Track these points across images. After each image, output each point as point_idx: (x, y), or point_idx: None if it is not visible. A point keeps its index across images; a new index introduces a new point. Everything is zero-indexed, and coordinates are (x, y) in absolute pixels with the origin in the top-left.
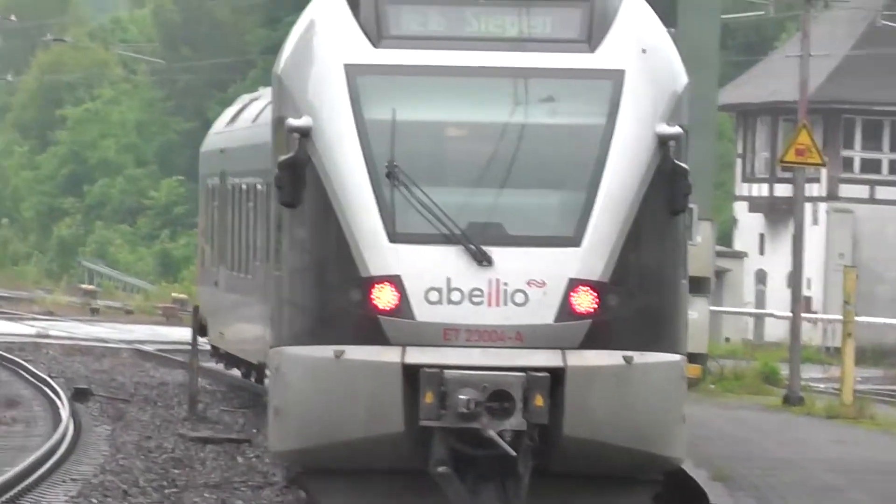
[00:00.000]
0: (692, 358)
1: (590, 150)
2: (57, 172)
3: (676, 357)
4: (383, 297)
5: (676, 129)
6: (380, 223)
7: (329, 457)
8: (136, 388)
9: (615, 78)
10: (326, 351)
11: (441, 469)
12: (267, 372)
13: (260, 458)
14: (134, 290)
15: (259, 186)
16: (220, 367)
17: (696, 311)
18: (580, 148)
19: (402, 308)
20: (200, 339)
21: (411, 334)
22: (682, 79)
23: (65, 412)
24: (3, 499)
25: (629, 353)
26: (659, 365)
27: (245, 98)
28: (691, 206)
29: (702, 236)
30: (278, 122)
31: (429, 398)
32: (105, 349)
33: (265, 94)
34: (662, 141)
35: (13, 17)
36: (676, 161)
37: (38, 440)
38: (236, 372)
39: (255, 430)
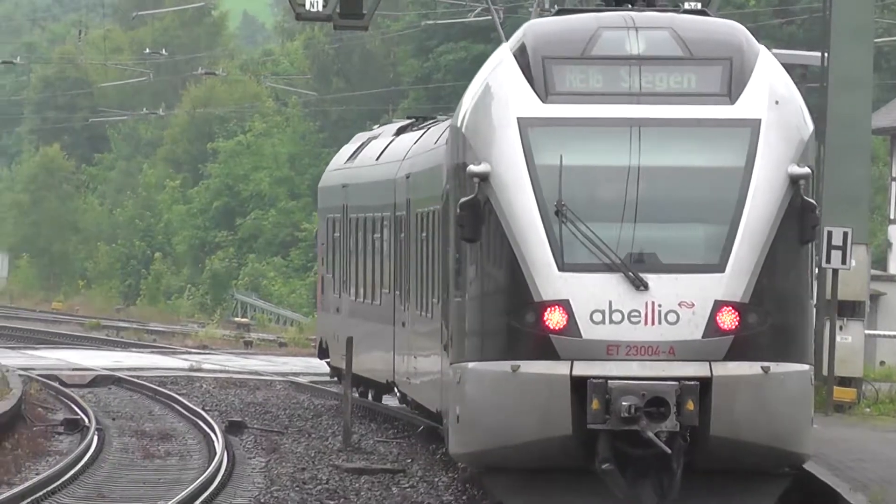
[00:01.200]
0: (847, 382)
1: (732, 189)
2: (209, 206)
3: (806, 367)
4: (554, 319)
5: (805, 170)
6: (550, 254)
7: (506, 458)
8: (290, 419)
9: (753, 126)
10: (504, 366)
11: (605, 466)
12: (396, 390)
13: (415, 489)
14: (287, 322)
15: (376, 221)
16: (370, 401)
17: (851, 335)
18: (723, 187)
19: (570, 328)
20: (321, 361)
21: (578, 350)
22: (809, 126)
23: (219, 445)
24: None
25: (766, 364)
26: (791, 374)
27: (362, 136)
28: (845, 229)
29: (856, 260)
30: (458, 169)
31: (595, 405)
32: (259, 382)
33: (384, 132)
34: (793, 180)
35: (164, 52)
36: (805, 197)
37: (193, 473)
38: (403, 407)
39: (409, 460)
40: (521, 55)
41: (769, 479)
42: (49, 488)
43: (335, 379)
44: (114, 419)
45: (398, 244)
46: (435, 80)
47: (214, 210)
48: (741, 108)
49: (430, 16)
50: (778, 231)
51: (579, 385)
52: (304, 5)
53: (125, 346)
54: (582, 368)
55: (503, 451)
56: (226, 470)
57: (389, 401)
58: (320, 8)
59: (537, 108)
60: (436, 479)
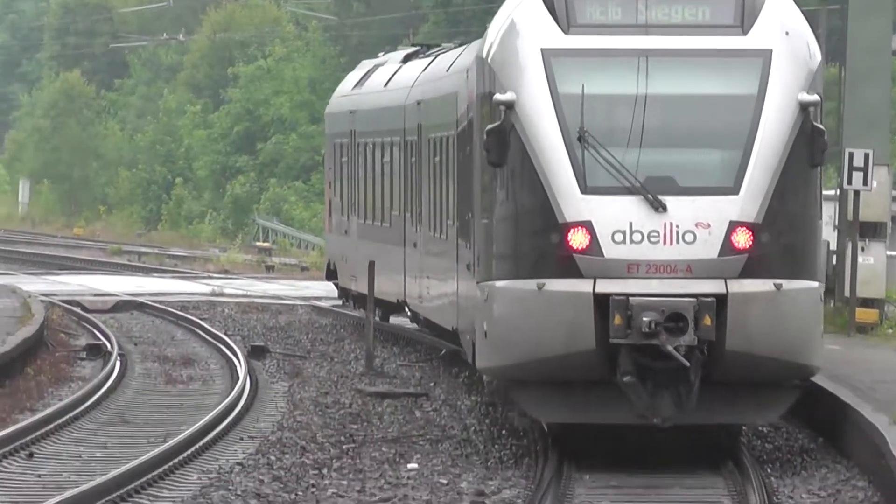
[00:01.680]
0: (869, 303)
1: (745, 115)
2: (230, 131)
3: (815, 284)
4: (577, 239)
5: (815, 97)
6: (573, 178)
7: (531, 371)
8: (312, 344)
9: (764, 56)
10: (530, 284)
11: (627, 379)
12: (406, 309)
13: (437, 412)
14: (309, 246)
15: (385, 146)
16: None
17: (872, 257)
18: (737, 114)
19: (593, 247)
20: (331, 282)
21: (600, 269)
22: (818, 55)
23: (242, 370)
24: (183, 456)
25: (779, 281)
26: (802, 290)
27: (367, 63)
28: (867, 151)
29: (878, 181)
30: (484, 97)
31: (617, 320)
32: (281, 306)
33: (389, 60)
34: (803, 107)
35: None
36: (815, 123)
37: (216, 398)
38: (413, 326)
39: (432, 384)
40: None
41: (780, 391)
42: (72, 414)
43: (343, 300)
44: (136, 344)
45: (409, 168)
46: (455, 5)
47: (235, 135)
48: (753, 39)
49: None
50: (789, 155)
51: (601, 302)
52: None
53: (147, 271)
54: (604, 286)
55: (529, 365)
56: (248, 395)
57: (396, 320)
58: None
59: (560, 40)
60: (458, 403)
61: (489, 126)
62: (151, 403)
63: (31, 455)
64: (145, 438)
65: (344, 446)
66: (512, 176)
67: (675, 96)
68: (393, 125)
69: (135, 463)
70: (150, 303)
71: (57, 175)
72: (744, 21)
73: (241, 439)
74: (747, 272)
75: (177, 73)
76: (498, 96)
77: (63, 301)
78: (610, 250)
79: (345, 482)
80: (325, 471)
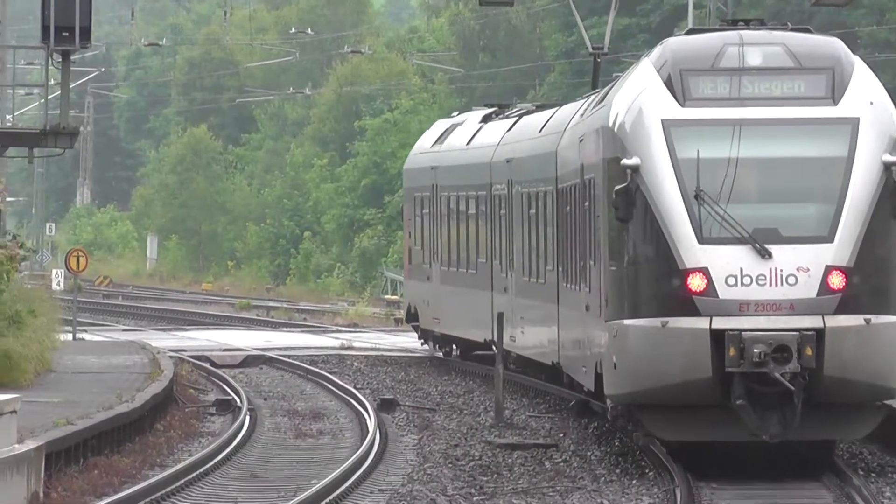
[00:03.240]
0: None
1: (837, 174)
2: (357, 184)
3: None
4: (696, 283)
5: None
6: (691, 230)
7: (655, 397)
8: (441, 396)
9: (853, 123)
10: (655, 322)
11: (739, 402)
12: (493, 347)
13: (567, 463)
14: None
15: (471, 199)
16: (523, 375)
17: None
18: (830, 173)
19: (709, 290)
20: (412, 324)
21: (716, 308)
22: None
23: (371, 423)
24: None
25: (868, 316)
26: (888, 324)
27: (443, 123)
28: None
29: None
30: (610, 162)
31: (732, 352)
32: (410, 359)
33: (468, 120)
34: (887, 167)
35: (309, 31)
36: None
37: (346, 452)
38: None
39: (561, 435)
40: (661, 68)
41: (870, 410)
42: (202, 469)
43: (422, 341)
44: (265, 399)
45: (496, 218)
46: (580, 55)
47: (362, 188)
48: (843, 109)
49: None
50: (875, 208)
51: (717, 336)
52: None
53: (275, 325)
54: (719, 323)
55: (654, 392)
56: (378, 448)
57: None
58: None
59: (677, 112)
60: (588, 453)
61: (617, 187)
62: (281, 458)
63: None
64: (276, 493)
65: (474, 498)
66: (637, 229)
67: (777, 159)
68: (479, 180)
69: None
70: (279, 357)
71: (185, 230)
72: (834, 93)
73: (372, 493)
74: (841, 309)
75: (303, 126)
76: (625, 161)
77: (192, 356)
78: (724, 292)
79: None
80: None
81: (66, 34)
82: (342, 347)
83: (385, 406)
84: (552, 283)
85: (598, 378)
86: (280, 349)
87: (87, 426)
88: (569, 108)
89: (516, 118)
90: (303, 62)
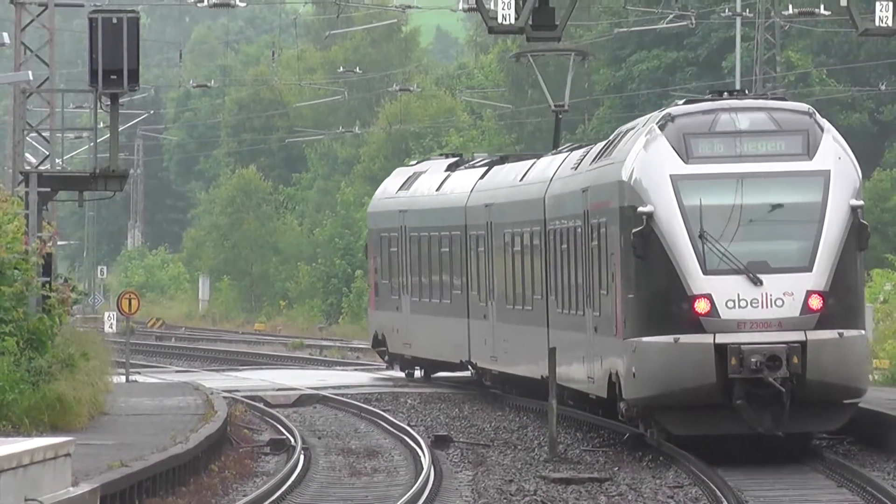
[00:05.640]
0: None
1: (814, 216)
2: None
3: (863, 332)
4: (701, 306)
5: (861, 202)
6: (697, 264)
7: (669, 399)
8: (495, 432)
9: (825, 175)
10: (668, 339)
11: (739, 402)
12: (470, 367)
13: (622, 496)
14: None
15: (444, 238)
16: (574, 409)
17: None
18: (808, 216)
19: (713, 312)
20: (378, 349)
21: (719, 326)
22: (859, 173)
23: (425, 460)
24: None
25: (841, 331)
26: (856, 337)
27: (404, 171)
28: None
29: None
30: (625, 210)
31: (733, 362)
32: (464, 395)
33: (431, 169)
34: (853, 209)
35: (357, 70)
36: (861, 220)
37: (401, 489)
38: (592, 417)
39: (615, 468)
40: (667, 132)
41: (843, 406)
42: None
43: (388, 364)
44: (319, 438)
45: (472, 255)
46: (629, 89)
47: None
48: (817, 163)
49: (623, 24)
50: (845, 243)
51: (720, 349)
52: (496, 19)
53: (329, 364)
54: (722, 338)
55: (668, 395)
56: (433, 484)
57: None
58: (513, 21)
59: (682, 168)
60: (642, 487)
61: (635, 230)
62: (336, 496)
63: None
64: None
65: None
66: (652, 264)
67: (763, 204)
68: (453, 222)
69: None
70: (332, 396)
71: (236, 271)
72: (809, 150)
73: None
74: (819, 325)
75: (353, 165)
76: (640, 208)
77: (245, 397)
78: (725, 313)
79: None
80: None
81: (115, 77)
82: (396, 385)
83: (439, 443)
84: (540, 309)
85: (611, 386)
86: (333, 388)
87: (142, 468)
88: (547, 161)
89: (485, 167)
90: (351, 101)
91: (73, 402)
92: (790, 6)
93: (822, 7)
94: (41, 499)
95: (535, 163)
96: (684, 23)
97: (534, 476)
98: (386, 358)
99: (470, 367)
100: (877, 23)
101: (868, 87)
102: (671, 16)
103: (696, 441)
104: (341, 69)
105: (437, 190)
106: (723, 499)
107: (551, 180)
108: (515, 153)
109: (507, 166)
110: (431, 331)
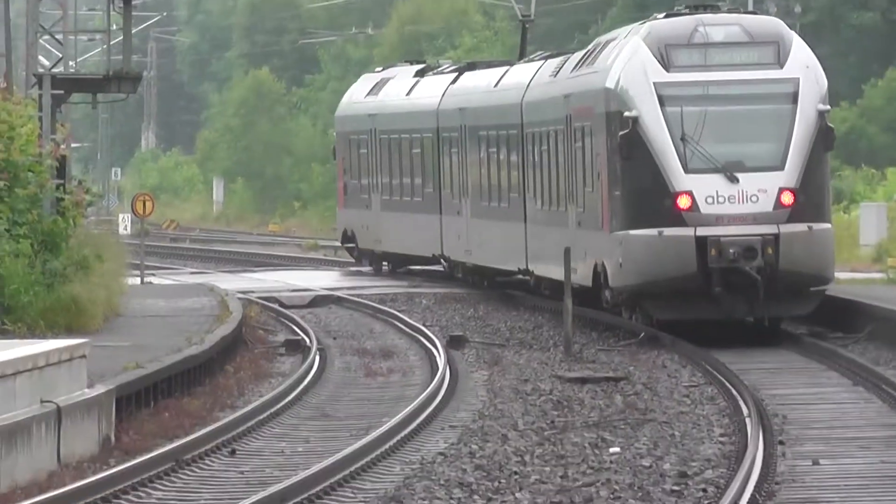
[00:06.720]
0: None
1: (786, 119)
2: None
3: (829, 225)
4: (683, 202)
5: (827, 107)
6: (679, 164)
7: (653, 287)
8: (510, 332)
9: (795, 81)
10: (653, 231)
11: (717, 290)
12: (442, 261)
13: (638, 395)
14: None
15: (415, 140)
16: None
17: None
18: (781, 119)
19: (694, 207)
20: (347, 245)
21: (699, 220)
22: (825, 81)
23: (441, 360)
24: (385, 447)
25: (810, 224)
26: (824, 230)
27: (371, 77)
28: None
29: None
30: (614, 115)
31: (713, 252)
32: (479, 296)
33: (400, 74)
34: (820, 114)
35: None
36: (828, 123)
37: (416, 389)
38: (604, 315)
39: (631, 368)
40: (649, 43)
41: (811, 294)
42: (273, 409)
43: (357, 259)
44: (334, 339)
45: (445, 156)
46: None
47: None
48: (787, 71)
49: None
50: (813, 145)
51: (700, 242)
52: None
53: (343, 265)
54: (702, 231)
55: (652, 284)
56: (449, 384)
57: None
58: None
59: (664, 76)
60: (658, 386)
61: (621, 133)
62: (352, 397)
63: (233, 452)
64: (347, 432)
65: (545, 433)
66: (638, 164)
67: (740, 109)
68: (425, 125)
69: (338, 456)
70: (347, 297)
71: (250, 173)
72: (779, 60)
73: (443, 429)
74: (791, 219)
75: (366, 66)
76: (626, 113)
77: (260, 298)
78: (705, 208)
79: (547, 468)
80: (527, 458)
81: None
82: (411, 286)
83: (454, 343)
84: (517, 205)
85: (596, 276)
86: (348, 289)
87: (157, 369)
88: (521, 68)
89: (455, 73)
90: (365, 1)
91: (88, 304)
92: None
93: None
94: (57, 400)
95: (508, 70)
96: None
97: (549, 376)
98: (355, 253)
99: (442, 260)
100: None
101: None
102: None
103: (684, 328)
104: None
105: (408, 94)
106: (738, 397)
107: (528, 87)
108: (485, 60)
109: (479, 72)
110: (402, 227)
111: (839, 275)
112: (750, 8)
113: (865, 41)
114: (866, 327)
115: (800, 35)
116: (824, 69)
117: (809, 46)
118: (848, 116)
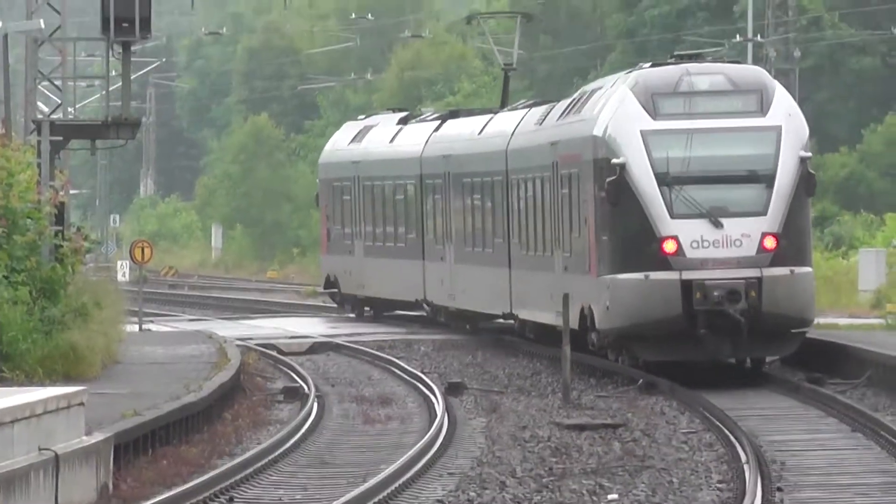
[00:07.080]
0: None
1: (768, 166)
2: None
3: (810, 269)
4: (669, 246)
5: (809, 154)
6: (665, 209)
7: (639, 329)
8: (509, 379)
9: (777, 129)
10: (639, 275)
11: (703, 331)
12: (424, 305)
13: (636, 442)
14: None
15: (399, 187)
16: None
17: None
18: (763, 165)
19: (679, 251)
20: (329, 291)
21: (684, 264)
22: (807, 128)
23: (439, 407)
24: (383, 495)
25: (791, 268)
26: (805, 273)
27: (354, 125)
28: None
29: None
30: (599, 161)
31: (698, 295)
32: (477, 342)
33: (383, 122)
34: (802, 160)
35: (370, 16)
36: (809, 170)
37: (414, 436)
38: (602, 362)
39: (629, 414)
40: (637, 92)
41: (793, 335)
42: (271, 457)
43: (339, 304)
44: (333, 385)
45: (429, 202)
46: (641, 34)
47: None
48: (770, 119)
49: None
50: (795, 191)
51: (685, 285)
52: None
53: (342, 312)
54: (687, 275)
55: (638, 326)
56: (447, 432)
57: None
58: None
59: (651, 124)
60: (656, 433)
61: (609, 179)
62: (350, 444)
63: (231, 500)
64: (345, 479)
65: (544, 480)
66: (624, 210)
67: (724, 156)
68: (408, 172)
69: None
70: (346, 344)
71: (249, 219)
72: (762, 108)
73: (441, 476)
74: (773, 263)
75: (365, 112)
76: (614, 160)
77: (259, 345)
78: (690, 253)
79: None
80: None
81: (126, 25)
82: (409, 333)
83: (453, 390)
84: (502, 250)
85: (583, 318)
86: (347, 336)
87: (155, 417)
88: (504, 116)
89: (437, 121)
90: (363, 48)
91: (87, 352)
92: None
93: None
94: (55, 448)
95: (491, 118)
96: None
97: (547, 422)
98: (337, 299)
99: (425, 305)
100: None
101: (880, 31)
102: None
103: (674, 371)
104: (353, 15)
105: (391, 142)
106: (737, 444)
107: (513, 134)
108: (466, 108)
109: (462, 120)
110: (385, 272)
111: (838, 321)
112: (749, 53)
113: (865, 86)
114: (865, 373)
115: (799, 80)
116: (823, 114)
117: (809, 91)
118: (847, 161)
